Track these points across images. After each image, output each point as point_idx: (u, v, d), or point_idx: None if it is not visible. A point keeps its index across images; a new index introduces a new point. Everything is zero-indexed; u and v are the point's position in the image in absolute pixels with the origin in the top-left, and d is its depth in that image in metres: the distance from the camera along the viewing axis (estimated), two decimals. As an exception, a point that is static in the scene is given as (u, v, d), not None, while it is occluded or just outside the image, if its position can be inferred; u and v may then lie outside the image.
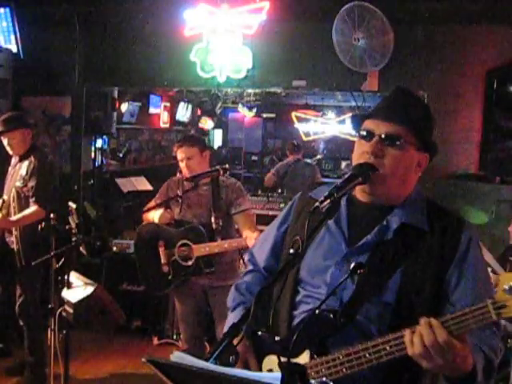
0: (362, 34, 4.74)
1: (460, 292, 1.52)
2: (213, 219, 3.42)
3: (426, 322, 1.30)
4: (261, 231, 3.17)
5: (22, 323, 4.03)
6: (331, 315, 1.52)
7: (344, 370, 1.41)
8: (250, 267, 1.93)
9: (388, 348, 1.35)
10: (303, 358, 1.51)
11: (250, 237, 3.30)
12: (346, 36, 4.79)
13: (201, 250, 3.39)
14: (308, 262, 1.67)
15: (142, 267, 3.68)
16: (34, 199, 3.91)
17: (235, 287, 1.90)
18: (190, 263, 3.43)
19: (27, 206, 3.95)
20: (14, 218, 3.95)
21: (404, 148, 1.57)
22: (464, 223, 1.61)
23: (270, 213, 5.84)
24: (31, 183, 3.92)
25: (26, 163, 3.98)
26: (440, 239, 1.55)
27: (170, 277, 3.54)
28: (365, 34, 4.73)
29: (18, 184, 3.96)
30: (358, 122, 1.68)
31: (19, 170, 3.99)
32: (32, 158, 3.97)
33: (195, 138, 3.72)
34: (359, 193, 1.66)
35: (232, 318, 1.81)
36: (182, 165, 3.57)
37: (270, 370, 1.58)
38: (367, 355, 1.38)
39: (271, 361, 1.59)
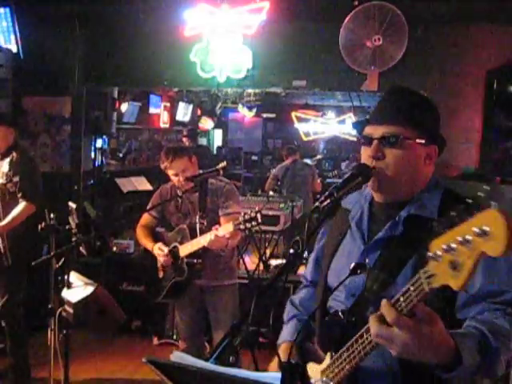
0: (382, 34, 4.73)
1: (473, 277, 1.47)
2: (197, 219, 3.39)
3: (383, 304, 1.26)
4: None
5: (3, 324, 3.97)
6: (342, 315, 1.53)
7: (347, 366, 1.42)
8: (304, 282, 1.98)
9: (369, 337, 1.33)
10: (327, 361, 1.52)
11: (219, 230, 3.16)
12: (360, 36, 4.77)
13: (184, 249, 3.40)
14: (333, 267, 1.70)
15: (148, 272, 3.74)
16: (20, 194, 3.87)
17: (290, 302, 1.95)
18: (177, 264, 3.45)
19: (12, 201, 3.88)
20: (4, 222, 3.83)
21: (404, 145, 1.57)
22: (479, 209, 1.57)
23: (270, 213, 5.80)
24: (15, 178, 3.88)
25: (7, 160, 3.93)
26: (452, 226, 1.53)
27: (163, 282, 3.57)
28: (385, 34, 4.73)
29: (1, 181, 3.90)
30: (360, 127, 1.69)
31: (1, 168, 3.93)
32: (14, 154, 3.93)
33: (179, 149, 3.51)
34: (374, 194, 1.68)
35: (286, 330, 1.85)
36: (176, 179, 3.46)
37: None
38: (357, 347, 1.37)
39: (311, 368, 1.60)
